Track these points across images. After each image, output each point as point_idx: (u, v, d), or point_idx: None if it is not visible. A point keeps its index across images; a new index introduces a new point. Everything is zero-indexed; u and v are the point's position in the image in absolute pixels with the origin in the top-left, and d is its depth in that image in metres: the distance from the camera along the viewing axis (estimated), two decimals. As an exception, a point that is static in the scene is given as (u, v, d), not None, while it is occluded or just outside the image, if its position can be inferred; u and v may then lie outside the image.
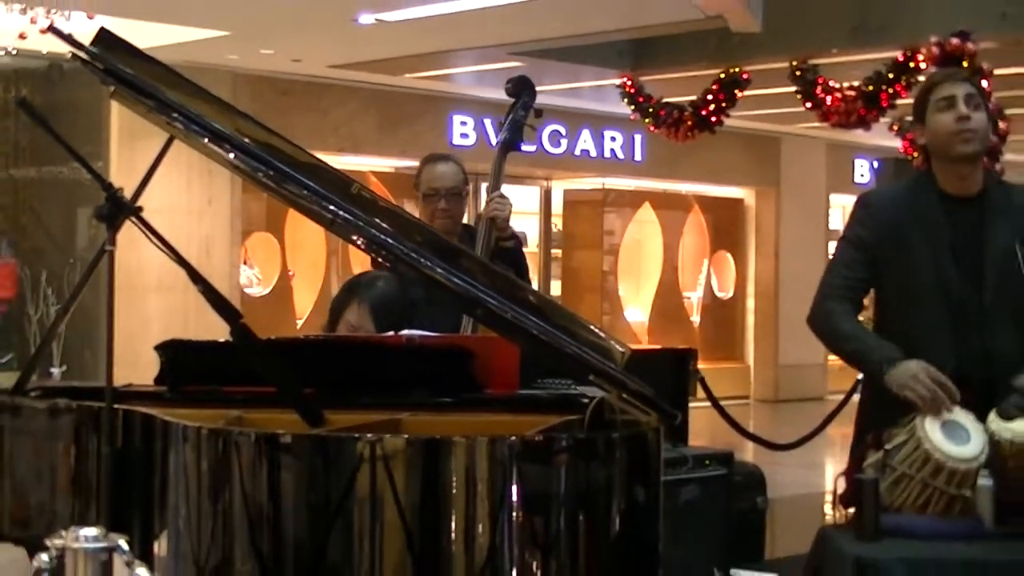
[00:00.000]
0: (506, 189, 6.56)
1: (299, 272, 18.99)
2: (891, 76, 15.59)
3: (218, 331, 4.43)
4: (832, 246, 23.22)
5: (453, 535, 3.67)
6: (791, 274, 23.89)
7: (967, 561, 4.36)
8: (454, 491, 3.68)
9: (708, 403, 12.23)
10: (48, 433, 4.85)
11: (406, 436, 3.85)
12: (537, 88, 7.04)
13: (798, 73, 16.40)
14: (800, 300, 19.61)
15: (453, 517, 3.67)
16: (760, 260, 24.51)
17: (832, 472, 5.45)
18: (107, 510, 4.42)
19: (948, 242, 4.97)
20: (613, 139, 22.08)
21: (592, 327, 4.56)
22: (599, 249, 23.05)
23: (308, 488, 3.75)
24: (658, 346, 19.89)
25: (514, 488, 3.71)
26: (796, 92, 16.66)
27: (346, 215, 4.20)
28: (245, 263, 18.69)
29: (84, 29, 4.28)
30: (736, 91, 17.21)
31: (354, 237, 4.34)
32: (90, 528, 4.00)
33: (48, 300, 16.48)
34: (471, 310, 4.83)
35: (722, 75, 17.13)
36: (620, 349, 4.46)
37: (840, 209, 25.07)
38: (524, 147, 6.87)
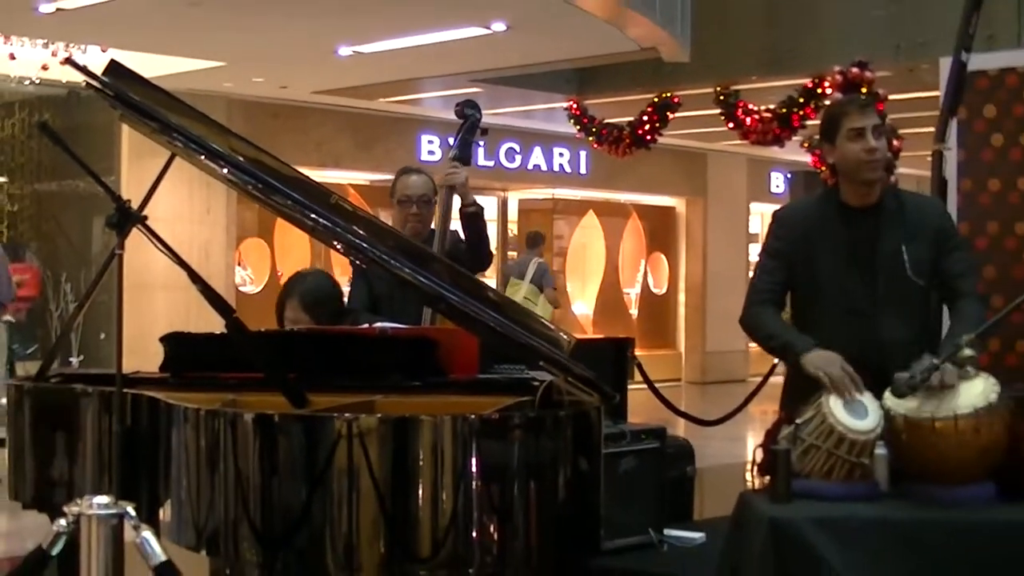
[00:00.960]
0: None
1: (287, 273, 18.80)
2: (801, 100, 15.69)
3: (215, 325, 4.44)
4: (752, 248, 23.32)
5: (420, 501, 3.67)
6: (717, 272, 23.98)
7: (866, 519, 4.38)
8: (421, 463, 3.68)
9: (644, 385, 12.23)
10: (67, 414, 4.84)
11: (379, 415, 3.85)
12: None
13: (721, 97, 16.48)
14: (724, 295, 19.78)
15: (420, 485, 3.68)
16: (690, 260, 24.55)
17: (752, 444, 5.47)
18: (118, 481, 4.41)
19: (846, 247, 5.01)
20: (561, 155, 22.10)
21: (543, 320, 4.58)
22: (549, 251, 23.04)
23: (294, 461, 3.75)
24: (601, 336, 19.89)
25: (474, 460, 3.72)
26: (720, 114, 16.75)
27: (326, 223, 4.21)
28: (239, 265, 18.67)
29: (97, 61, 4.27)
30: (668, 113, 17.27)
31: (334, 242, 4.35)
32: (103, 496, 4.01)
33: (67, 298, 16.45)
34: (436, 305, 4.84)
35: (656, 99, 17.18)
36: (566, 338, 4.47)
37: (759, 216, 25.17)
38: (474, 161, 6.91)
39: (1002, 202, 9.24)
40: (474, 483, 3.71)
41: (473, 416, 3.77)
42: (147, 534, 4.00)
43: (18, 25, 13.37)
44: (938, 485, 4.50)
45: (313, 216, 4.18)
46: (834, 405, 4.57)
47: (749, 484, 5.06)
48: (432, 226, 6.54)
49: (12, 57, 14.63)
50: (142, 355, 5.15)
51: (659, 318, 24.74)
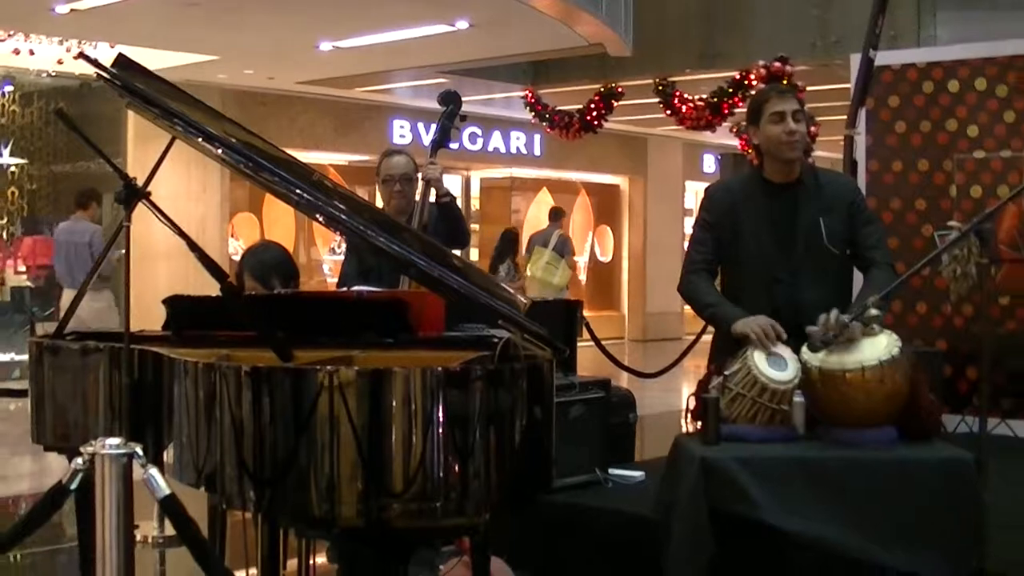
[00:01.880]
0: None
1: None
2: (730, 91, 15.76)
3: (211, 288, 4.43)
4: (687, 221, 23.34)
5: (393, 444, 3.67)
6: (656, 243, 24.03)
7: (785, 458, 4.41)
8: (394, 410, 3.68)
9: (592, 342, 12.26)
10: (81, 367, 4.83)
11: (357, 368, 3.85)
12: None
13: (660, 88, 16.52)
14: (663, 263, 19.79)
15: (393, 430, 3.68)
16: (632, 232, 24.58)
17: (686, 394, 5.50)
18: (127, 426, 4.40)
19: (769, 219, 5.03)
20: (518, 138, 22.09)
21: (502, 284, 4.59)
22: (508, 224, 23.06)
23: (281, 408, 3.75)
24: (553, 298, 19.90)
25: (440, 408, 3.72)
26: (658, 103, 16.77)
27: (309, 198, 4.20)
28: (232, 236, 18.59)
29: (106, 55, 4.26)
30: (612, 101, 17.31)
31: (316, 215, 4.34)
32: (114, 439, 4.01)
33: (81, 266, 16.37)
34: (406, 270, 4.84)
35: (602, 89, 17.20)
36: (522, 300, 4.48)
37: (693, 193, 25.24)
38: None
39: (904, 181, 9.33)
40: (440, 428, 3.71)
41: (440, 369, 3.78)
42: (153, 471, 4.00)
43: (37, 24, 13.34)
44: (847, 428, 4.54)
45: (297, 192, 4.17)
46: (758, 358, 4.60)
47: (683, 429, 5.09)
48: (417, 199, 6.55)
49: (32, 53, 14.58)
50: (147, 315, 5.15)
51: (605, 283, 24.78)
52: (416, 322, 4.83)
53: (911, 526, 4.33)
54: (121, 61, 4.33)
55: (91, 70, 4.28)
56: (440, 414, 3.73)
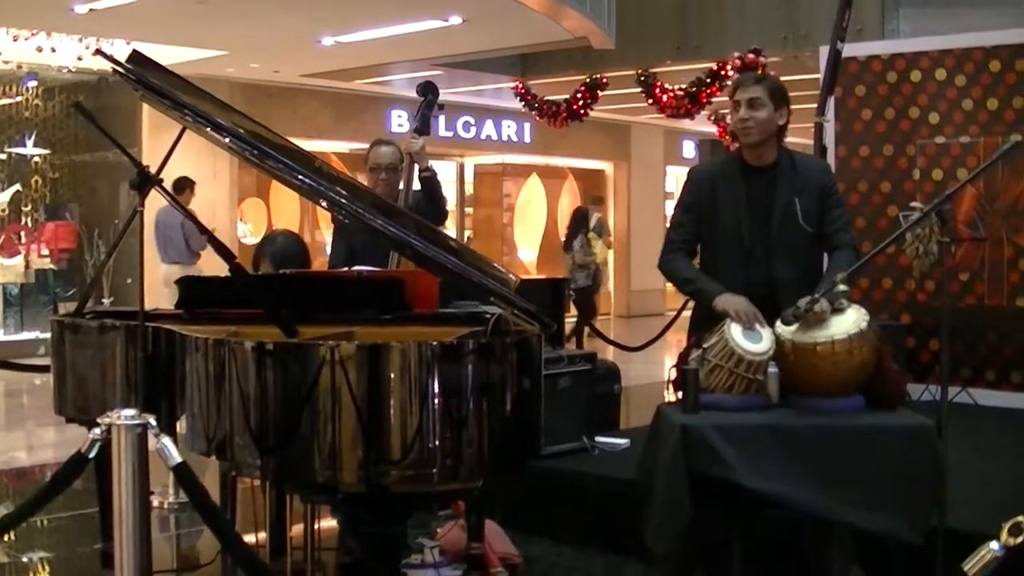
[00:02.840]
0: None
1: (280, 226, 18.88)
2: (708, 81, 15.72)
3: (220, 269, 4.43)
4: (668, 204, 23.34)
5: (391, 414, 3.68)
6: (639, 224, 24.02)
7: (759, 425, 4.41)
8: (392, 382, 3.68)
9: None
10: (99, 344, 4.83)
11: (356, 343, 3.85)
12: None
13: (642, 79, 16.47)
14: (646, 243, 19.79)
15: (391, 401, 3.68)
16: (617, 214, 24.54)
17: (667, 366, 5.50)
18: (142, 398, 4.41)
19: (746, 199, 5.00)
20: (509, 127, 22.04)
21: (493, 263, 4.59)
22: (500, 207, 23.10)
23: (286, 381, 3.75)
24: (543, 276, 19.91)
25: (435, 380, 3.72)
26: (640, 92, 16.72)
27: (312, 183, 4.20)
28: (240, 220, 18.58)
29: (122, 52, 4.24)
30: (597, 91, 17.25)
31: (319, 200, 4.34)
32: (130, 410, 4.01)
33: (99, 249, 16.40)
34: (403, 251, 4.83)
35: (587, 80, 17.15)
36: (513, 278, 4.49)
37: (674, 177, 25.21)
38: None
39: (869, 166, 9.35)
40: (436, 399, 3.72)
41: (435, 343, 3.78)
42: (166, 440, 4.01)
43: (57, 23, 13.34)
44: (818, 397, 4.54)
45: (301, 178, 4.17)
46: (735, 332, 4.60)
47: (665, 399, 5.09)
48: (401, 187, 6.53)
49: (53, 50, 14.56)
50: (160, 295, 5.14)
51: (591, 262, 24.79)
52: (412, 299, 4.83)
53: (876, 488, 4.34)
54: (136, 57, 4.32)
55: (108, 65, 4.28)
56: (435, 386, 3.73)
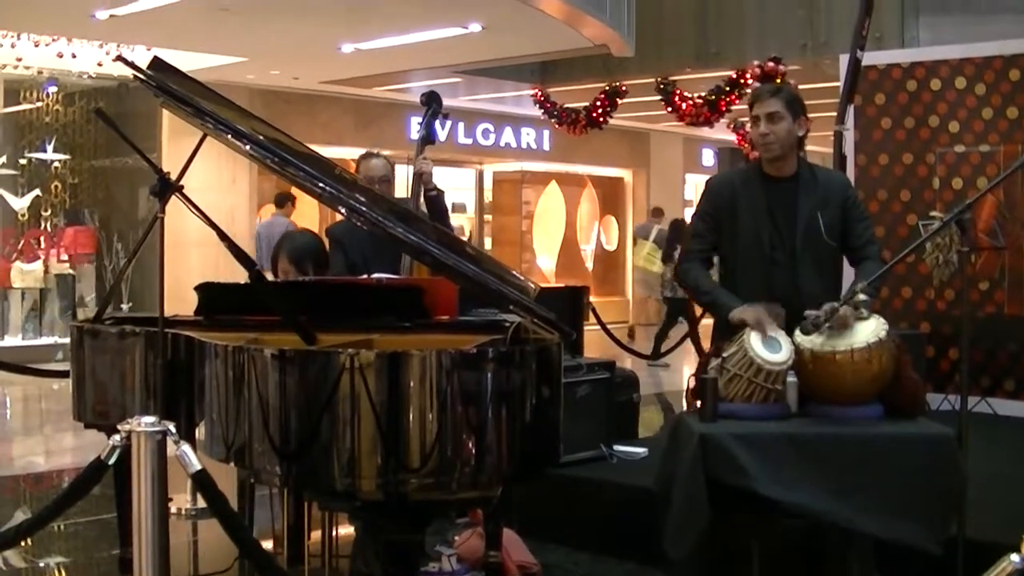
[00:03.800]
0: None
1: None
2: (727, 89, 15.73)
3: (240, 276, 4.43)
4: (687, 212, 23.29)
5: (411, 422, 3.67)
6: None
7: (778, 435, 4.40)
8: (411, 390, 3.67)
9: (598, 326, 12.27)
10: (119, 349, 4.84)
11: (376, 351, 3.84)
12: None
13: (661, 86, 16.48)
14: (664, 251, 19.23)
15: (410, 409, 3.68)
16: (636, 221, 24.49)
17: (686, 375, 5.49)
18: (161, 404, 4.41)
19: (766, 209, 5.00)
20: (528, 134, 22.05)
21: (512, 271, 4.58)
22: (519, 215, 23.06)
23: (305, 388, 3.74)
24: (561, 284, 19.89)
25: (455, 388, 3.71)
26: (660, 100, 16.73)
27: (331, 190, 4.19)
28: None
29: (143, 58, 4.24)
30: (616, 99, 17.29)
31: (338, 207, 4.34)
32: (149, 417, 4.01)
33: (118, 255, 16.45)
34: (422, 258, 4.81)
35: (606, 88, 17.18)
36: (532, 286, 4.48)
37: (692, 185, 25.22)
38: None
39: (889, 173, 9.33)
40: (455, 407, 3.71)
41: (454, 351, 3.77)
42: (186, 447, 4.01)
43: (78, 29, 13.37)
44: (837, 406, 4.54)
45: (320, 185, 4.17)
46: (754, 341, 4.59)
47: (683, 407, 5.09)
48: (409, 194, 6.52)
49: (74, 56, 14.62)
50: (180, 301, 5.15)
51: (610, 270, 24.72)
52: (431, 307, 4.83)
53: (895, 497, 4.33)
54: (156, 63, 4.33)
55: (129, 71, 4.28)
56: (454, 394, 3.72)
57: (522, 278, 4.54)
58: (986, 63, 8.91)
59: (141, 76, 4.24)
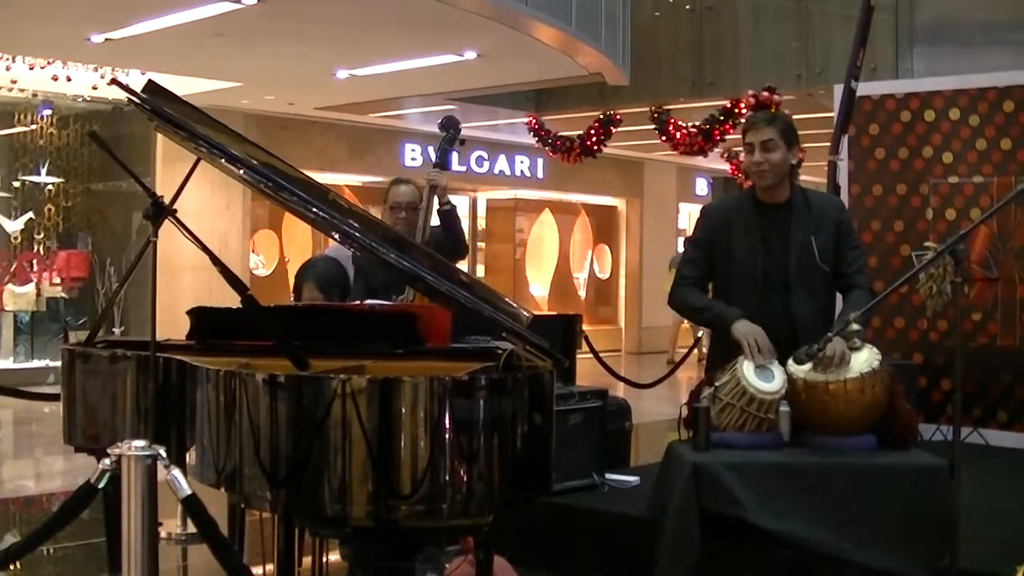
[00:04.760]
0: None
1: (293, 258, 18.89)
2: (721, 118, 15.74)
3: (232, 300, 4.43)
4: (680, 240, 23.33)
5: (402, 448, 3.66)
6: (651, 260, 23.97)
7: (770, 464, 4.40)
8: (403, 416, 3.67)
9: (590, 354, 12.25)
10: (110, 373, 4.82)
11: (368, 377, 3.84)
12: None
13: (655, 115, 16.49)
14: (657, 279, 19.73)
15: (402, 435, 3.67)
16: (629, 250, 24.55)
17: (678, 403, 5.48)
18: (152, 429, 4.40)
19: (759, 235, 5.01)
20: (522, 162, 22.06)
21: (505, 298, 4.57)
22: (512, 242, 23.11)
23: (297, 414, 3.73)
24: (554, 312, 19.90)
25: (447, 414, 3.70)
26: (654, 129, 16.76)
27: (325, 216, 4.19)
28: (253, 251, 18.61)
29: (138, 82, 4.26)
30: (611, 128, 17.30)
31: (332, 232, 4.34)
32: (140, 441, 4.00)
33: (111, 278, 16.45)
34: (415, 284, 4.83)
35: (600, 116, 17.19)
36: (525, 314, 4.47)
37: (686, 214, 25.24)
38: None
39: (883, 204, 9.35)
40: (447, 434, 3.70)
41: (447, 378, 3.77)
42: (176, 472, 4.00)
43: (74, 53, 13.40)
44: (829, 436, 4.54)
45: (314, 210, 4.17)
46: (747, 370, 4.60)
47: (676, 436, 5.08)
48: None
49: (68, 79, 14.64)
50: (172, 325, 5.14)
51: (603, 298, 24.75)
52: (424, 334, 4.83)
53: (888, 528, 4.33)
54: (151, 87, 4.33)
55: (123, 95, 4.28)
56: (447, 421, 3.71)
57: (515, 305, 4.53)
58: (980, 95, 8.94)
59: (136, 99, 4.24)
